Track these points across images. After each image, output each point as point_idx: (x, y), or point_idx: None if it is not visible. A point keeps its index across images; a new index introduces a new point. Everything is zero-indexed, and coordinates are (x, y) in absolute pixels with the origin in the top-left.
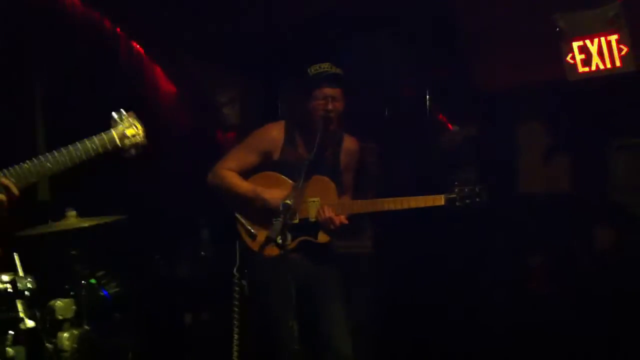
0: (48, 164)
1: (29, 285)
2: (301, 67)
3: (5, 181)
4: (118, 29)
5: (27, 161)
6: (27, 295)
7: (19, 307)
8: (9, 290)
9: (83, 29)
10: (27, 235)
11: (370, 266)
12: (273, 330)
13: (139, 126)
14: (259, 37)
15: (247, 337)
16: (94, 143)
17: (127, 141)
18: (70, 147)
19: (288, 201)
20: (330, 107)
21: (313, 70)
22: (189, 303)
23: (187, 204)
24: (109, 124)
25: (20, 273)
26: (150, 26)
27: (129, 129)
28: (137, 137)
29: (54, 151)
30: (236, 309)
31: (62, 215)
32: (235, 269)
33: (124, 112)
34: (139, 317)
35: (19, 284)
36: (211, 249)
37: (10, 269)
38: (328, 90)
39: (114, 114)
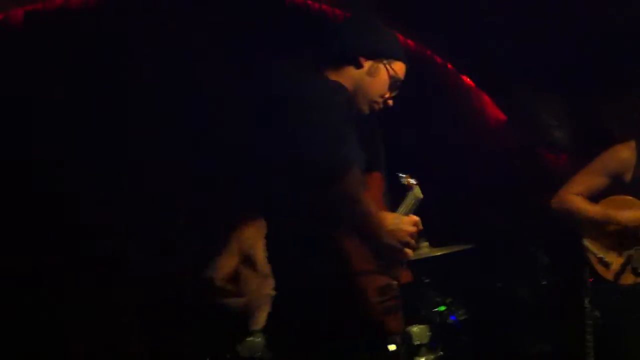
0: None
1: None
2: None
3: (415, 217)
4: (449, 65)
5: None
6: None
7: None
8: None
9: (416, 67)
10: None
11: None
12: None
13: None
14: (585, 56)
15: None
16: (412, 199)
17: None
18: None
19: None
20: None
21: None
22: (533, 333)
23: (525, 230)
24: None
25: None
26: (480, 59)
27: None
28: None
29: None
30: (589, 342)
31: (416, 246)
32: (587, 300)
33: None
34: (485, 344)
35: None
36: (553, 277)
37: None
38: None
39: (401, 176)
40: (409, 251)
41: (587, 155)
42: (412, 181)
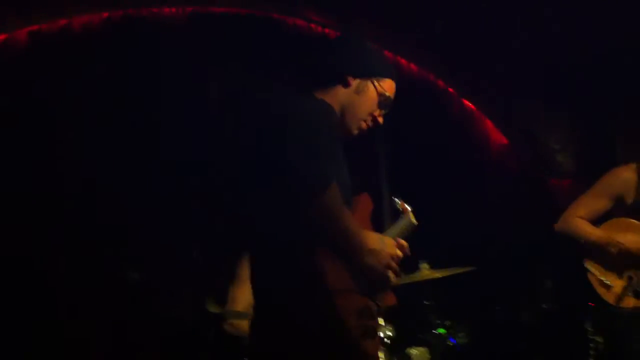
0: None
1: (389, 333)
2: None
3: (402, 241)
4: (450, 89)
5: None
6: (387, 343)
7: (380, 354)
8: None
9: (418, 89)
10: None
11: None
12: None
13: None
14: (589, 79)
15: None
16: (405, 224)
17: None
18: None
19: None
20: None
21: None
22: (536, 357)
23: (527, 254)
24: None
25: (381, 322)
26: (481, 81)
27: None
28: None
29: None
30: None
31: (416, 268)
32: (588, 323)
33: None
34: None
35: (380, 333)
36: (556, 300)
37: None
38: None
39: (396, 200)
40: (390, 274)
41: (591, 179)
42: (407, 207)
